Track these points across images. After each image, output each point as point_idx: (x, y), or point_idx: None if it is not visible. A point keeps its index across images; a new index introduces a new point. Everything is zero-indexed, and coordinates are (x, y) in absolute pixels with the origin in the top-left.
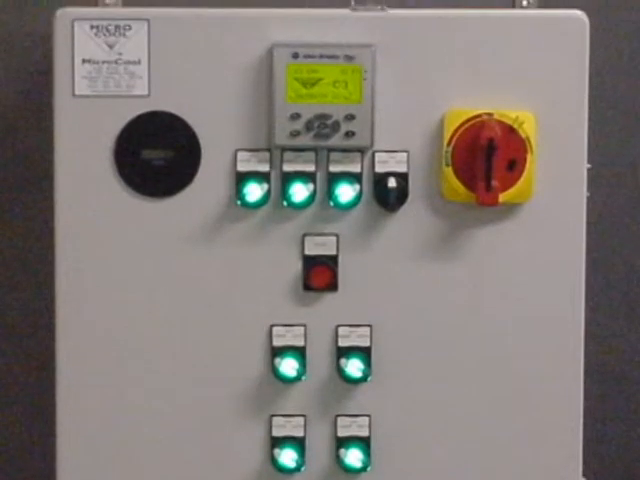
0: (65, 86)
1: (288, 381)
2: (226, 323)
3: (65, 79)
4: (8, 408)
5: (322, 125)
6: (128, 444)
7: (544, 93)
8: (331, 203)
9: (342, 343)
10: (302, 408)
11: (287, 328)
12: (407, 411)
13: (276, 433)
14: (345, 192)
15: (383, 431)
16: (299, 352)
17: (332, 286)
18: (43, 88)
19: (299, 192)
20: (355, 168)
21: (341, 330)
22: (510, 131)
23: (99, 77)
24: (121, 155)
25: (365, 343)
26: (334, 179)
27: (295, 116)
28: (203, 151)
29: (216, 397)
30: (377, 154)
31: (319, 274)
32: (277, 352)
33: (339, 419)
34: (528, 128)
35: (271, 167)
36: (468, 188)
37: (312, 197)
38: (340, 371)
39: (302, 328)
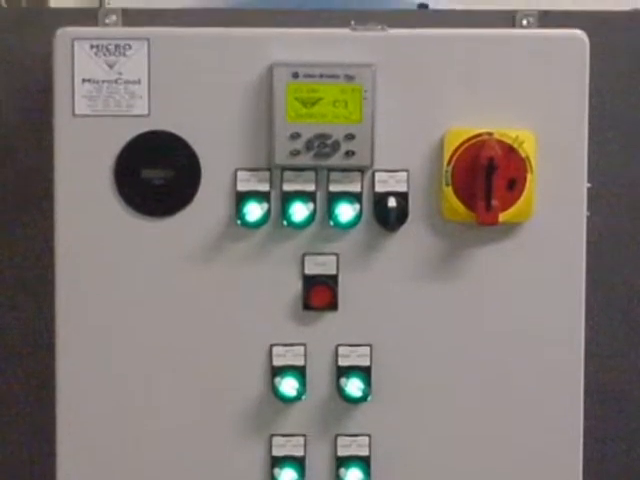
0: (65, 105)
1: (288, 400)
2: (226, 342)
3: (65, 98)
4: (8, 428)
5: (322, 145)
6: (128, 463)
7: (544, 112)
8: (331, 223)
9: (342, 362)
10: (302, 427)
11: (287, 347)
12: (407, 431)
13: (276, 452)
14: (345, 212)
15: (383, 451)
16: (299, 371)
17: (332, 305)
18: (43, 107)
19: (299, 212)
20: (355, 188)
21: (341, 349)
22: (510, 150)
23: (99, 96)
24: (121, 174)
25: (365, 363)
26: (334, 199)
27: (295, 135)
28: (203, 170)
29: (216, 416)
30: (377, 174)
31: (319, 293)
32: (277, 371)
33: (339, 439)
34: (528, 147)
35: (271, 187)
36: (468, 208)
37: (312, 217)
38: (340, 390)
39: (302, 347)
